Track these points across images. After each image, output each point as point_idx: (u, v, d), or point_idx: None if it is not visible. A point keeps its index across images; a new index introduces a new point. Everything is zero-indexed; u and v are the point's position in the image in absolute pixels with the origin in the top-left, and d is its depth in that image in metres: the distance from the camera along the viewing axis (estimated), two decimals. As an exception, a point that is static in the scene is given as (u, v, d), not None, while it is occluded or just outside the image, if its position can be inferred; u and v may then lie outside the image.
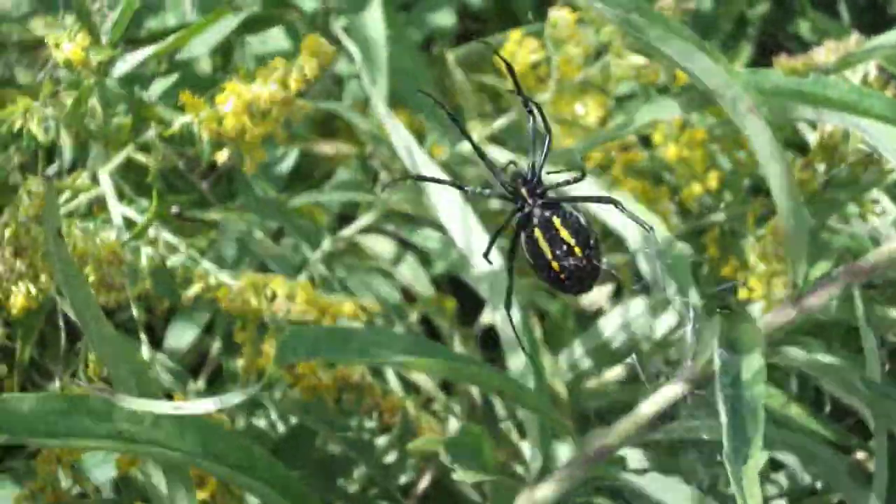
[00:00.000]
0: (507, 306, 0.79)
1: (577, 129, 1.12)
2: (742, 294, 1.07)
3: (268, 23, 1.25)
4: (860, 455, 1.06)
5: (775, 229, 1.05)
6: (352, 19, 1.20)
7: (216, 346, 1.12)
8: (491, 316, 1.17)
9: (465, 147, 1.16)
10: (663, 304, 1.10)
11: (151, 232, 1.00)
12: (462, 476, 0.92)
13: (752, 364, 0.88)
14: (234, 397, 0.86)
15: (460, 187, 0.81)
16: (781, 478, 1.07)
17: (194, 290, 1.00)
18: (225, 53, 1.26)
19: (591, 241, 0.75)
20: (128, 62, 1.01)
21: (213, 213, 1.13)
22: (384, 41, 1.18)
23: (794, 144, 1.13)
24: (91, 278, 0.92)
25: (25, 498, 0.91)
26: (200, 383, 1.11)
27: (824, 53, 1.09)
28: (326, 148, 1.25)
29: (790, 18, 1.43)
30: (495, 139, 1.16)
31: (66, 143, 0.96)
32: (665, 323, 1.13)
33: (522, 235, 0.76)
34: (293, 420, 1.09)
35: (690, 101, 1.06)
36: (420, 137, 1.17)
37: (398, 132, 1.06)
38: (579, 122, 1.12)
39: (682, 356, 0.95)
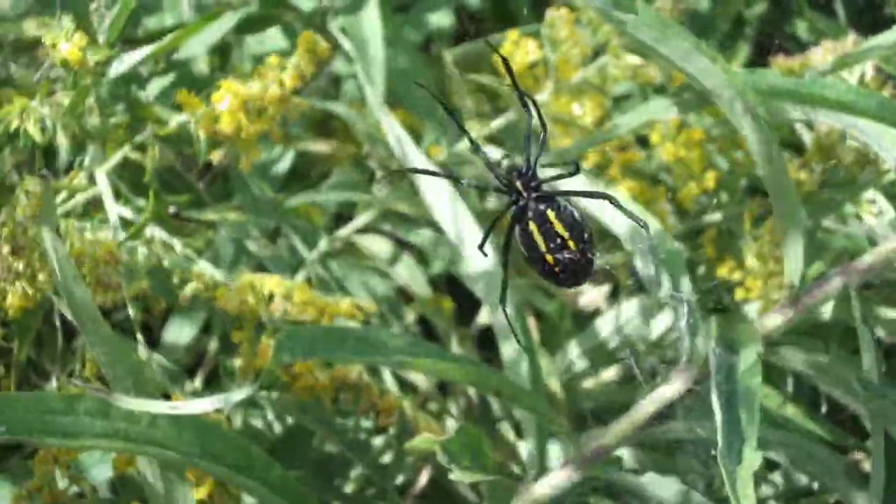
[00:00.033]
0: (502, 300, 0.79)
1: (574, 129, 1.12)
2: (739, 294, 1.07)
3: (265, 23, 1.25)
4: (857, 455, 1.06)
5: (772, 229, 1.05)
6: (349, 19, 1.20)
7: (213, 345, 1.12)
8: (488, 316, 1.17)
9: (463, 147, 1.16)
10: (660, 304, 1.10)
11: (148, 231, 1.00)
12: (459, 476, 0.91)
13: (748, 357, 0.88)
14: (232, 397, 0.86)
15: (456, 180, 0.81)
16: (778, 478, 1.07)
17: (191, 289, 1.00)
18: (223, 53, 1.26)
19: (586, 235, 0.75)
20: (125, 62, 1.01)
21: (209, 213, 1.13)
22: (381, 41, 1.18)
23: (791, 145, 1.13)
24: (88, 278, 0.92)
25: (23, 498, 0.91)
26: (197, 383, 1.11)
27: (821, 54, 1.09)
28: (323, 148, 1.25)
29: (787, 19, 1.43)
30: (493, 139, 1.16)
31: (63, 142, 0.96)
32: (661, 323, 1.13)
33: (517, 228, 0.77)
34: (290, 420, 1.09)
35: (688, 102, 1.07)
36: (417, 138, 1.17)
37: (394, 130, 1.06)
38: (577, 122, 1.12)
39: (678, 356, 0.95)
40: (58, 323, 0.95)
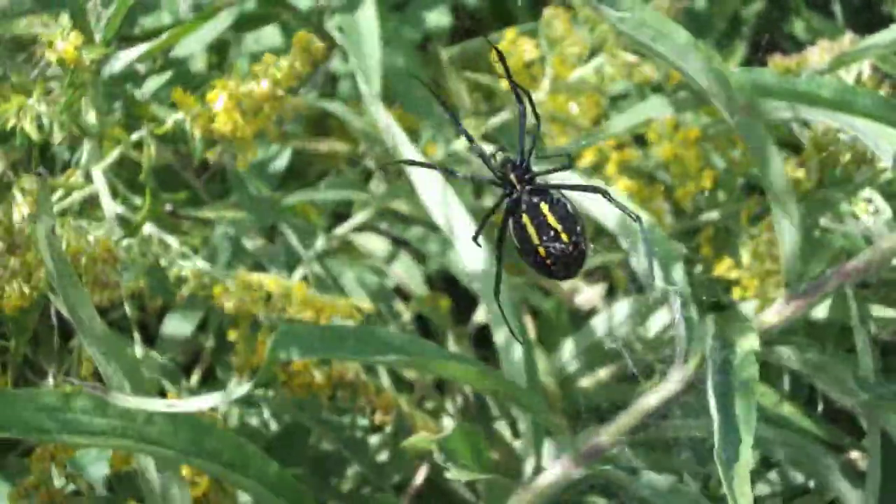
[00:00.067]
0: (496, 292, 0.79)
1: (571, 128, 1.12)
2: (736, 293, 1.07)
3: (262, 21, 1.25)
4: (853, 454, 1.06)
5: (769, 228, 1.05)
6: (345, 18, 1.20)
7: (209, 343, 1.12)
8: (485, 315, 1.17)
9: (459, 145, 1.16)
10: (656, 302, 1.10)
11: (145, 230, 1.00)
12: (455, 475, 0.92)
13: (745, 355, 0.88)
14: (228, 395, 0.86)
15: (451, 172, 0.82)
16: (774, 476, 1.07)
17: (188, 288, 1.00)
18: (220, 51, 1.26)
19: (578, 228, 0.75)
20: (121, 60, 1.01)
21: (206, 211, 1.13)
22: (378, 39, 1.18)
23: (788, 144, 1.13)
24: (84, 276, 0.92)
25: (19, 496, 0.91)
26: (194, 381, 1.10)
27: (818, 53, 1.09)
28: (320, 146, 1.25)
29: (784, 18, 1.43)
30: (489, 138, 1.16)
31: (60, 141, 0.96)
32: (658, 321, 1.13)
33: (510, 221, 0.77)
34: (287, 418, 1.09)
35: (685, 101, 1.07)
36: (414, 136, 1.17)
37: (389, 126, 1.06)
38: (574, 120, 1.12)
39: (674, 354, 0.95)
40: (54, 321, 0.95)
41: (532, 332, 1.20)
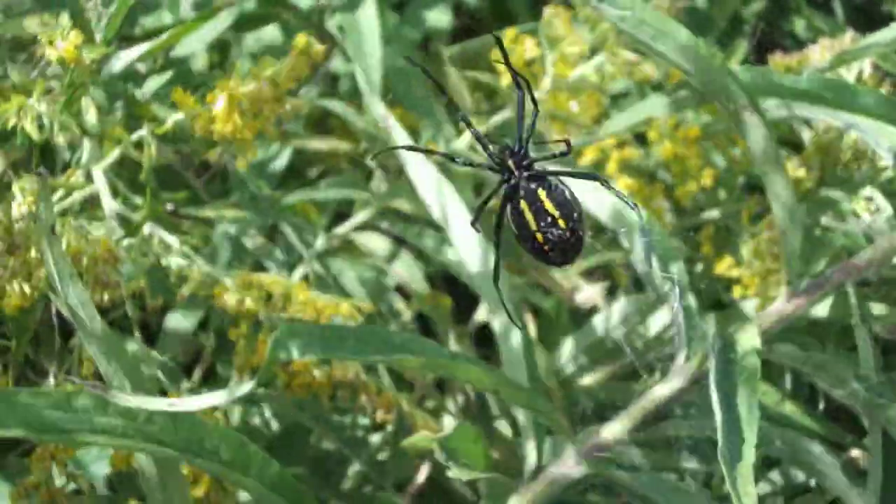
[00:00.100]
0: (495, 279, 0.80)
1: (572, 127, 1.12)
2: (737, 291, 1.07)
3: (263, 20, 1.25)
4: (854, 452, 1.06)
5: (770, 227, 1.05)
6: (346, 17, 1.20)
7: (210, 342, 1.12)
8: (485, 313, 1.17)
9: (459, 144, 1.16)
10: (657, 300, 1.10)
11: (146, 229, 1.00)
12: (456, 474, 0.92)
13: (747, 354, 0.88)
14: (229, 394, 0.86)
15: (450, 158, 0.82)
16: (776, 475, 1.07)
17: (189, 287, 1.00)
18: (221, 50, 1.26)
19: (576, 214, 0.75)
20: (122, 59, 1.01)
21: (207, 211, 1.13)
22: (378, 38, 1.18)
23: (789, 142, 1.13)
24: (85, 276, 0.92)
25: (20, 495, 0.91)
26: (195, 380, 1.10)
27: (819, 51, 1.09)
28: (321, 145, 1.25)
29: (785, 16, 1.43)
30: (490, 136, 1.16)
31: (60, 140, 0.96)
32: (659, 320, 1.13)
33: (508, 207, 0.77)
34: (288, 417, 1.09)
35: (685, 99, 1.07)
36: (415, 135, 1.17)
37: (391, 125, 1.06)
38: (574, 119, 1.12)
39: (675, 352, 0.95)
40: (55, 321, 0.95)
41: (533, 331, 1.20)
